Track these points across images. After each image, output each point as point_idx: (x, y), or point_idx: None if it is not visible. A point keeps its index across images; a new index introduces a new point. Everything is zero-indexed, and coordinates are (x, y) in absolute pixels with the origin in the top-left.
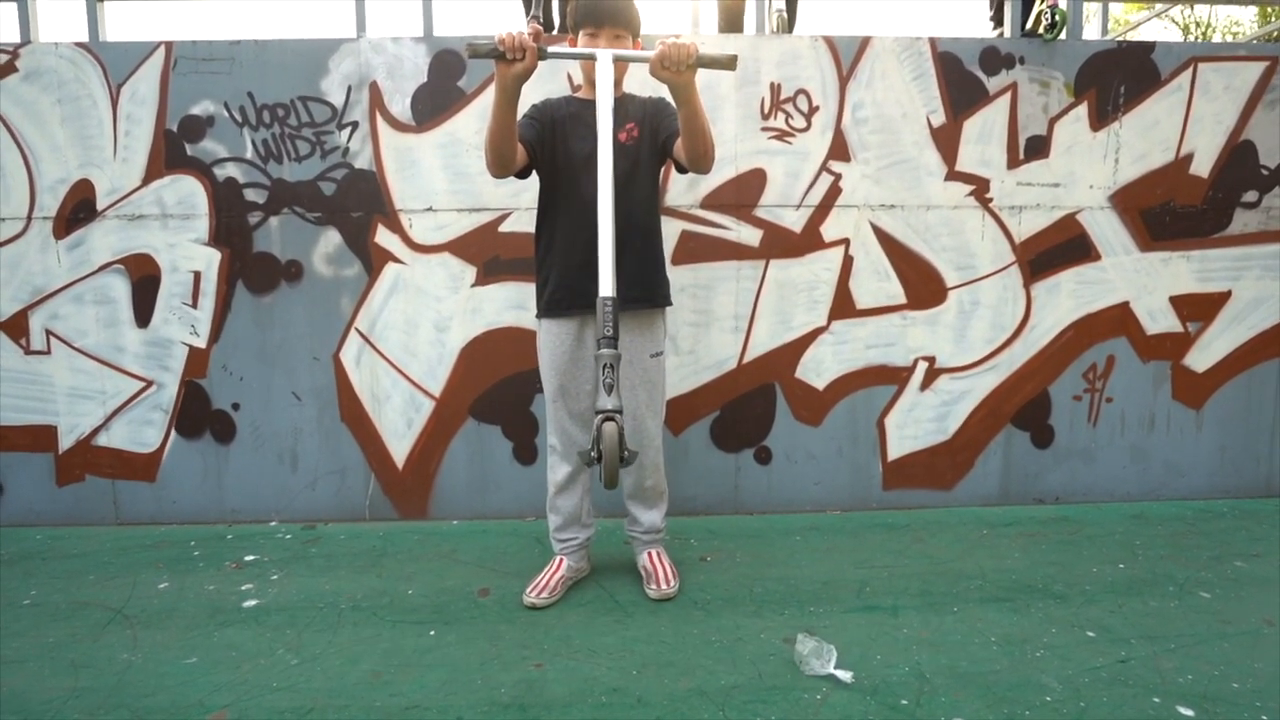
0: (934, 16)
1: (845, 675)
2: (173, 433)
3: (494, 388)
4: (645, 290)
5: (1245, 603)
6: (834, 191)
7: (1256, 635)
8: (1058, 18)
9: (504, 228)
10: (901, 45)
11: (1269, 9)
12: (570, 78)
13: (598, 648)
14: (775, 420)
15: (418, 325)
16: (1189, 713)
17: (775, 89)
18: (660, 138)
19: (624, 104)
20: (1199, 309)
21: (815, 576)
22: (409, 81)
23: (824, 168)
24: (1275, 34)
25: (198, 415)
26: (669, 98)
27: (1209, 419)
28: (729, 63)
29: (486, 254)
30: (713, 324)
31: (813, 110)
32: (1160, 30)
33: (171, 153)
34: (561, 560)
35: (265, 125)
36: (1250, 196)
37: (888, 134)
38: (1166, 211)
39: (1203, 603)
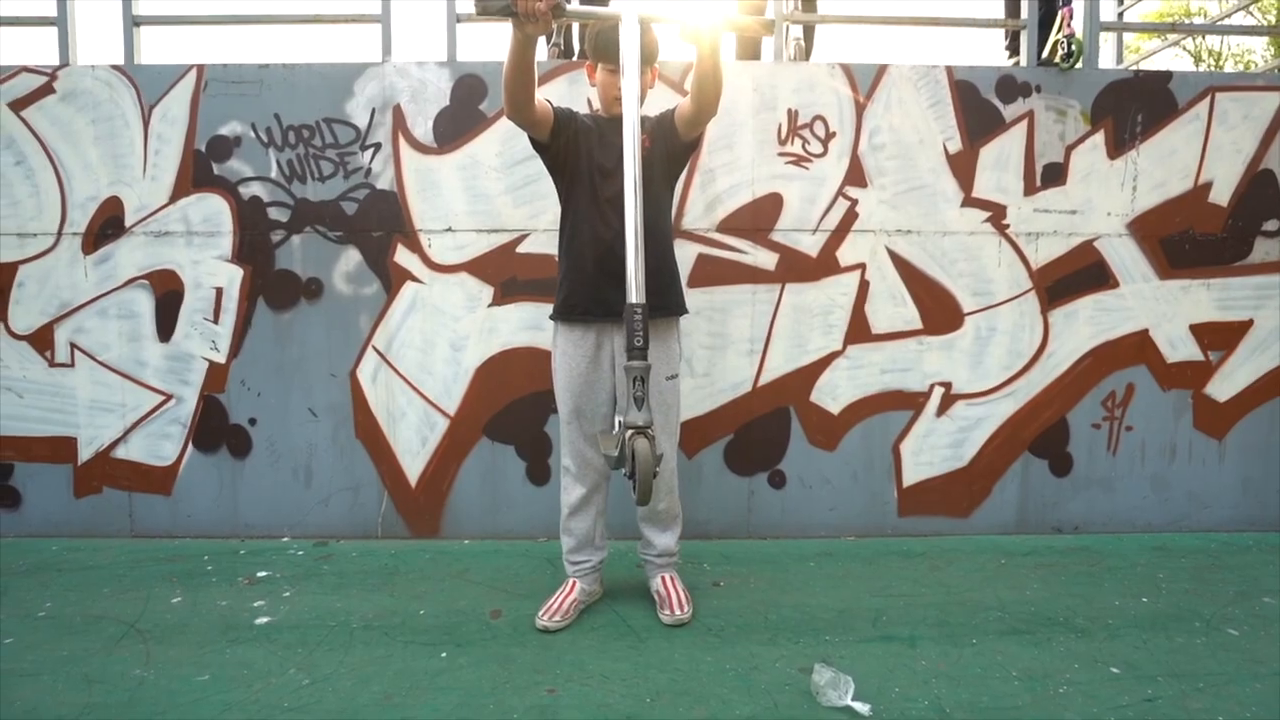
0: (949, 46)
1: (863, 707)
2: (190, 446)
3: (508, 407)
4: (660, 298)
5: (1275, 641)
6: (850, 216)
7: None
8: (1074, 47)
9: (522, 249)
10: (918, 73)
11: None
12: (590, 103)
13: (611, 674)
14: (790, 444)
15: (434, 344)
16: None
17: (792, 115)
18: (668, 130)
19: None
20: (1220, 338)
21: (831, 604)
22: (431, 105)
23: (840, 193)
24: None
25: (215, 429)
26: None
27: (1231, 449)
28: (763, 27)
29: (504, 275)
30: (728, 347)
31: (829, 136)
32: (1171, 59)
33: (199, 172)
34: (574, 583)
35: (290, 146)
36: (1271, 225)
37: (904, 160)
38: (1186, 239)
39: (1231, 640)
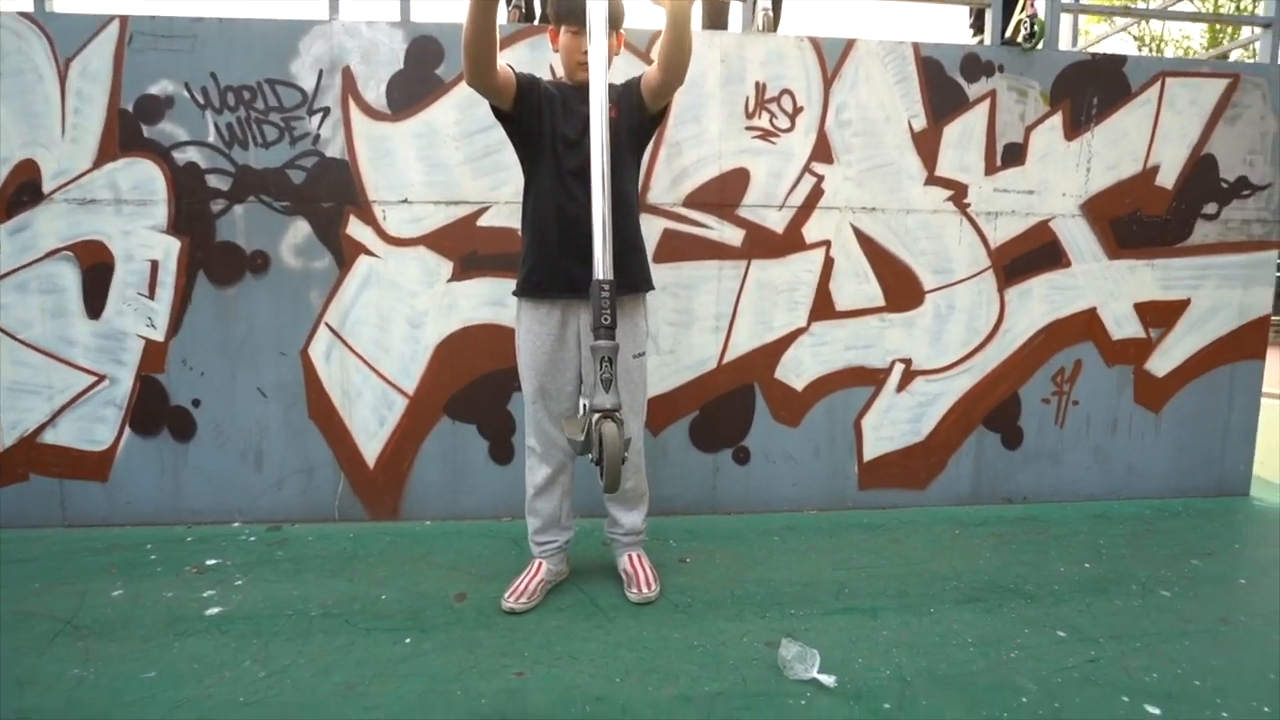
0: (914, 22)
1: (829, 680)
2: (127, 430)
3: (470, 385)
4: (626, 275)
5: (1203, 601)
6: (816, 193)
7: (1214, 634)
8: (1036, 28)
9: (482, 222)
10: (885, 49)
11: (1217, 28)
12: (552, 69)
13: (580, 654)
14: (754, 420)
15: (391, 320)
16: (1156, 711)
17: (760, 88)
18: (633, 100)
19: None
20: (1161, 316)
21: (794, 578)
22: (384, 68)
23: (807, 169)
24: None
25: (154, 412)
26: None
27: (1167, 422)
28: None
29: (464, 249)
30: (693, 324)
31: (797, 111)
32: (1119, 43)
33: (126, 134)
34: (540, 564)
35: (230, 108)
36: (1210, 208)
37: (870, 137)
38: (1134, 221)
39: (1164, 601)
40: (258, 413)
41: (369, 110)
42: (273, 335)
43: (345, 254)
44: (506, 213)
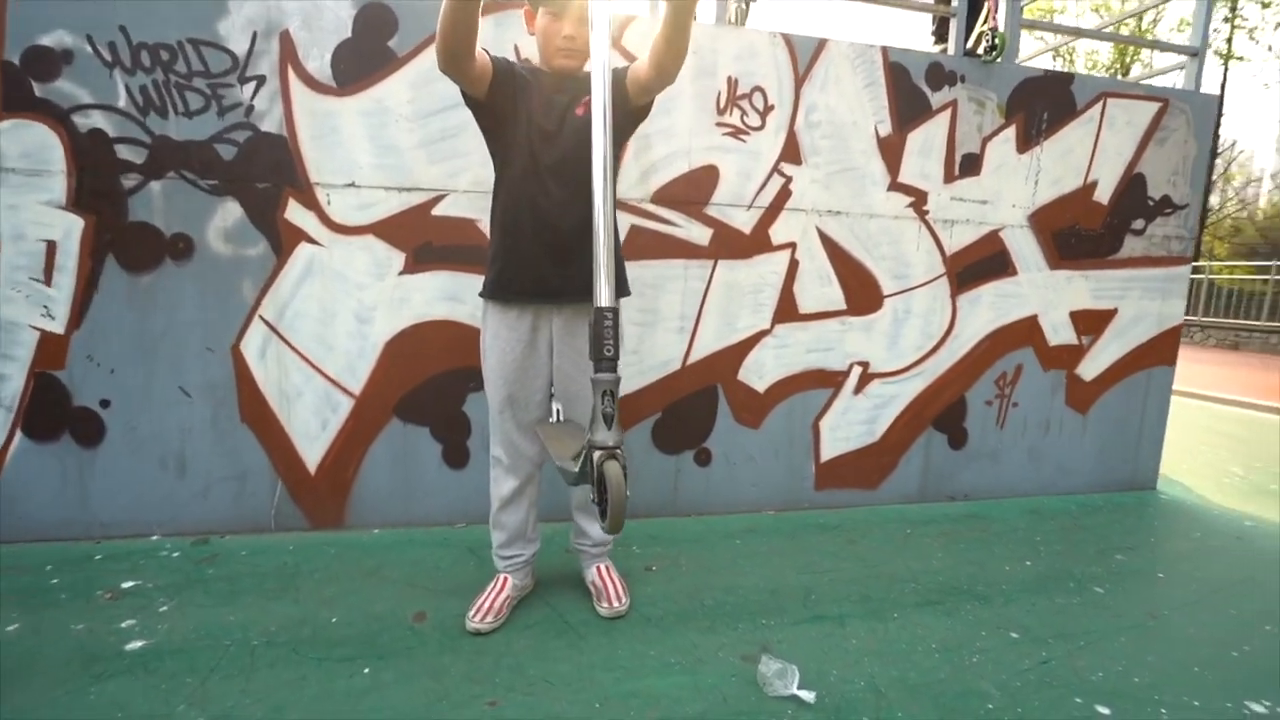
0: (870, 25)
1: (808, 695)
2: (18, 434)
3: (423, 385)
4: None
5: (1130, 596)
6: (784, 194)
7: (1144, 629)
8: (998, 40)
9: (438, 211)
10: (856, 51)
11: (1123, 47)
12: (517, 49)
13: (554, 678)
14: (716, 422)
15: (335, 315)
16: (1106, 711)
17: (732, 84)
18: (618, 93)
19: (581, 80)
20: (1091, 324)
21: (761, 585)
22: (329, 35)
23: (776, 169)
24: (1125, 67)
25: (53, 414)
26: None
27: (1092, 422)
28: None
29: (417, 239)
30: (659, 324)
31: (768, 109)
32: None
33: (13, 92)
34: (505, 579)
35: (145, 69)
36: (1138, 224)
37: (838, 140)
38: (1073, 234)
39: (1098, 598)
40: (180, 414)
41: (311, 82)
42: (198, 329)
43: (283, 240)
44: (465, 202)
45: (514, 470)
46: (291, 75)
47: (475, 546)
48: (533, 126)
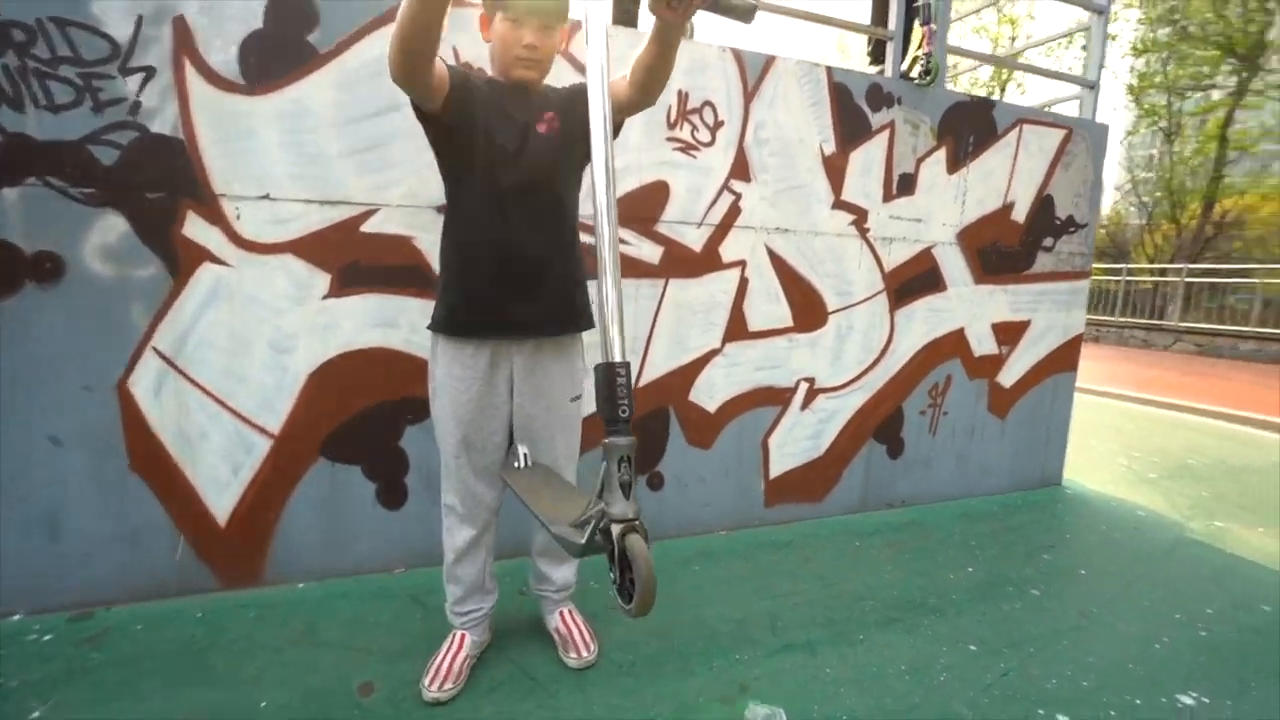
0: (809, 45)
1: None
2: None
3: (353, 420)
4: (570, 311)
5: (1062, 597)
6: (734, 211)
7: (1080, 629)
8: (931, 65)
9: (368, 227)
10: (803, 69)
11: (999, 72)
12: (457, 52)
13: None
14: (669, 445)
15: (249, 345)
16: (1066, 719)
17: (683, 97)
18: (583, 109)
19: (542, 94)
20: (1009, 335)
21: (727, 614)
22: (235, 25)
23: (726, 186)
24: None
25: None
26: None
27: (1009, 427)
28: (746, 13)
29: (344, 258)
30: None
31: (718, 124)
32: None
33: None
34: (463, 636)
35: None
36: (1048, 242)
37: (785, 158)
38: (994, 250)
39: (1035, 600)
40: (50, 467)
41: (214, 78)
42: (70, 364)
43: (181, 260)
44: (399, 217)
45: (470, 519)
46: (189, 68)
47: (419, 593)
48: (492, 145)
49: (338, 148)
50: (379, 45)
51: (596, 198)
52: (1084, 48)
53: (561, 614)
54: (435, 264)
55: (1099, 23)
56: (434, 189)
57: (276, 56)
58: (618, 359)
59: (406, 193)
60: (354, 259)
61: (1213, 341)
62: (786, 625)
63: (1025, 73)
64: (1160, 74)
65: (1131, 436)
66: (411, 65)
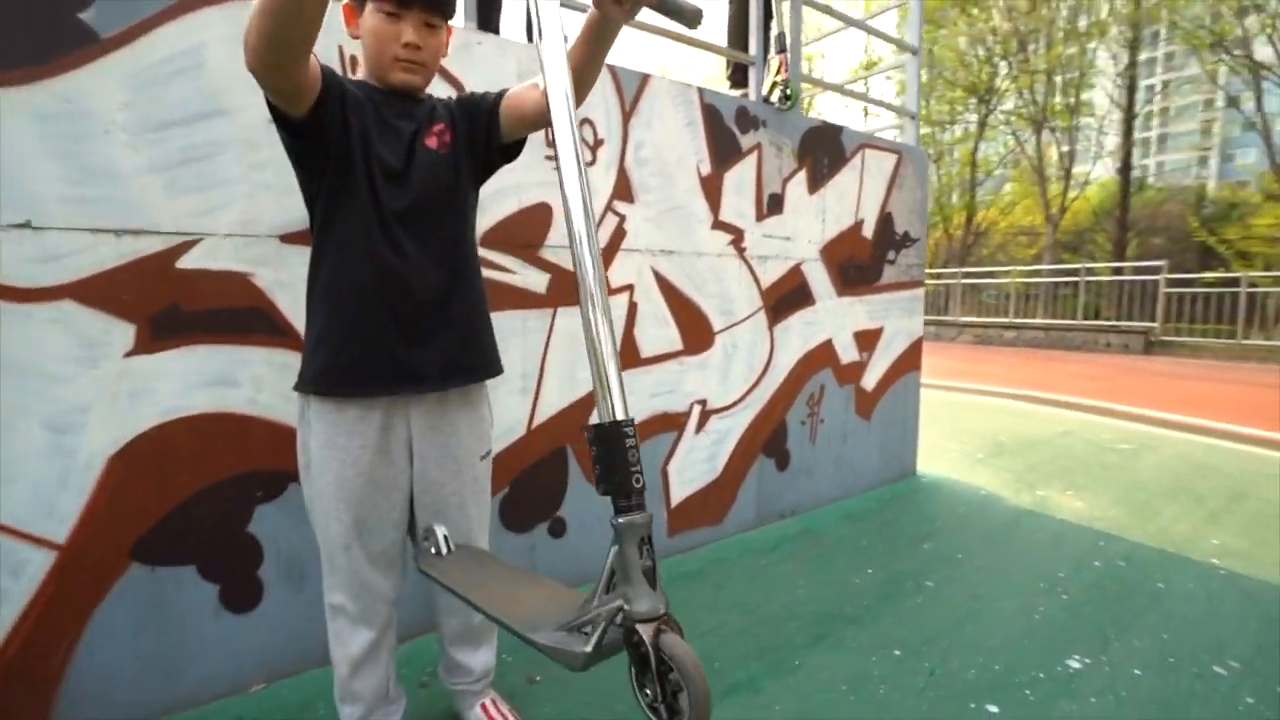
0: (670, 65)
1: None
2: None
3: (179, 510)
4: (480, 355)
5: (952, 584)
6: (620, 234)
7: (977, 614)
8: (790, 92)
9: (186, 262)
10: (676, 89)
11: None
12: (342, 51)
13: None
14: (568, 487)
15: (11, 428)
16: (995, 709)
17: None
18: (482, 122)
19: (426, 104)
20: (868, 341)
21: None
22: None
23: (610, 208)
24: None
25: None
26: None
27: (874, 426)
28: (693, 17)
29: (154, 303)
30: (500, 385)
31: (598, 143)
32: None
33: None
34: None
35: None
36: (891, 255)
37: (665, 178)
38: (851, 265)
39: (934, 593)
40: None
41: None
42: None
43: None
44: (229, 249)
45: (365, 618)
46: None
47: (292, 712)
48: (373, 162)
49: (137, 161)
50: (194, 35)
51: (573, 218)
52: (900, 81)
53: (484, 706)
54: (282, 305)
55: (914, 61)
56: (274, 214)
57: (36, 37)
58: (620, 416)
59: (238, 219)
60: (170, 302)
61: (986, 332)
62: (723, 665)
63: (853, 100)
64: (924, 108)
65: (951, 423)
66: (284, 57)
